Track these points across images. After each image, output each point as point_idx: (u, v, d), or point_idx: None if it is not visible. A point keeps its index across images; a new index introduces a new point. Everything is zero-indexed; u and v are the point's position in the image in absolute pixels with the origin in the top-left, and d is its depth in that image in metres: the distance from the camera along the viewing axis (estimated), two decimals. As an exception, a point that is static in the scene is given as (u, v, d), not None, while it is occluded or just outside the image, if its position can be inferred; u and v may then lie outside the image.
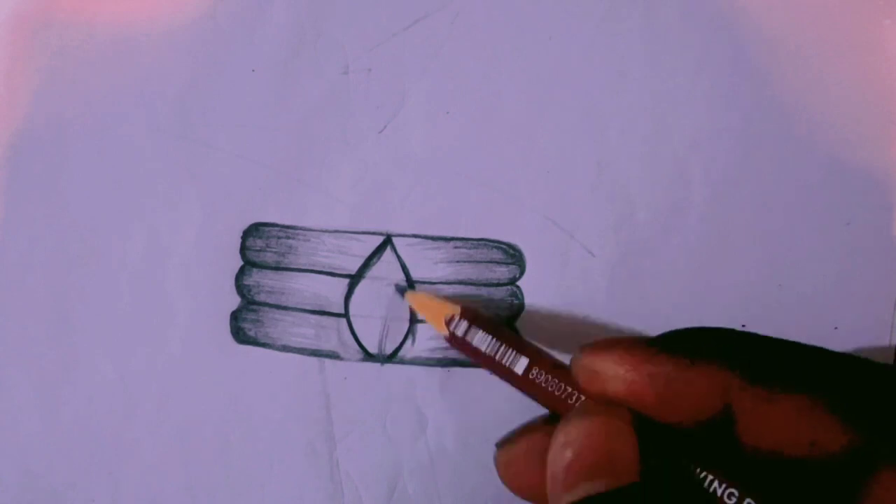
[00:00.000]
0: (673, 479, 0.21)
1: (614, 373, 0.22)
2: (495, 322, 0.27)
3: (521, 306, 0.28)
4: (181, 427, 0.29)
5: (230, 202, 0.29)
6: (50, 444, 0.30)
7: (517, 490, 0.24)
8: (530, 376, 0.25)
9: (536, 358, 0.25)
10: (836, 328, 0.27)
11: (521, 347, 0.25)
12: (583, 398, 0.24)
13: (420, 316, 0.28)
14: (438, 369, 0.29)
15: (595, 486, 0.20)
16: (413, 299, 0.28)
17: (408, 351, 0.29)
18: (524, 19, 0.28)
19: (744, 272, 0.28)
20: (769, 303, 0.28)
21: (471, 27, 0.28)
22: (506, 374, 0.25)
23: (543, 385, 0.25)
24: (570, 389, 0.24)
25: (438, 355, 0.29)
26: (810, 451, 0.20)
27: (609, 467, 0.21)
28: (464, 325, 0.26)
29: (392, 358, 0.29)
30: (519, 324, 0.28)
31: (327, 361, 0.29)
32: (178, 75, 0.29)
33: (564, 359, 0.25)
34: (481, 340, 0.26)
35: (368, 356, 0.29)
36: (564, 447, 0.21)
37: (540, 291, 0.28)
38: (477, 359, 0.26)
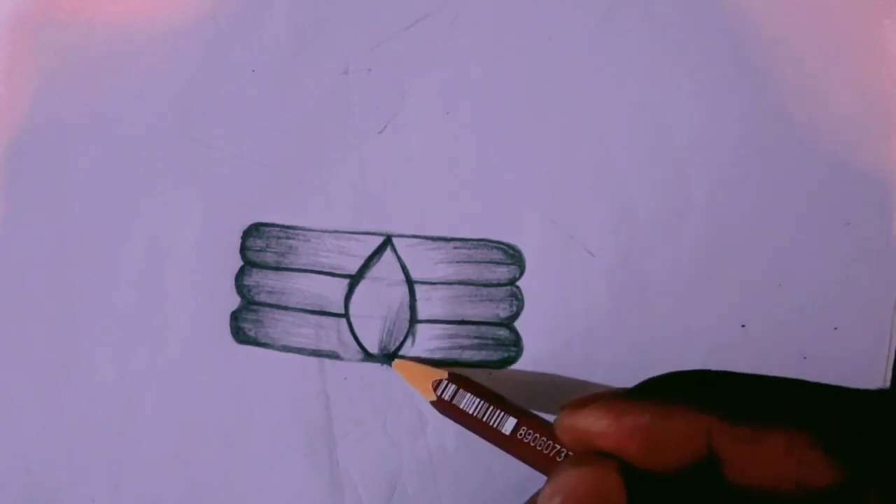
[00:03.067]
0: None
1: (596, 428, 0.22)
2: (482, 386, 0.27)
3: (521, 306, 0.28)
4: (181, 427, 0.29)
5: (230, 202, 0.29)
6: (50, 444, 0.30)
7: None
8: (518, 436, 0.25)
9: (524, 418, 0.26)
10: (835, 328, 0.27)
11: (509, 409, 0.26)
12: (570, 455, 0.24)
13: (403, 381, 0.28)
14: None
15: None
16: (400, 368, 0.28)
17: (408, 351, 0.29)
18: (524, 19, 0.28)
19: (744, 272, 0.28)
20: (769, 303, 0.28)
21: (471, 27, 0.28)
22: (494, 435, 0.26)
23: (532, 444, 0.25)
24: (558, 448, 0.25)
25: (438, 355, 0.29)
26: (798, 489, 0.20)
27: None
28: (451, 389, 0.27)
29: (392, 358, 0.29)
30: (519, 324, 0.28)
31: (327, 361, 0.29)
32: (178, 75, 0.29)
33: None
34: (469, 403, 0.26)
35: (368, 356, 0.29)
36: (553, 497, 0.21)
37: (540, 291, 0.28)
38: (465, 422, 0.26)
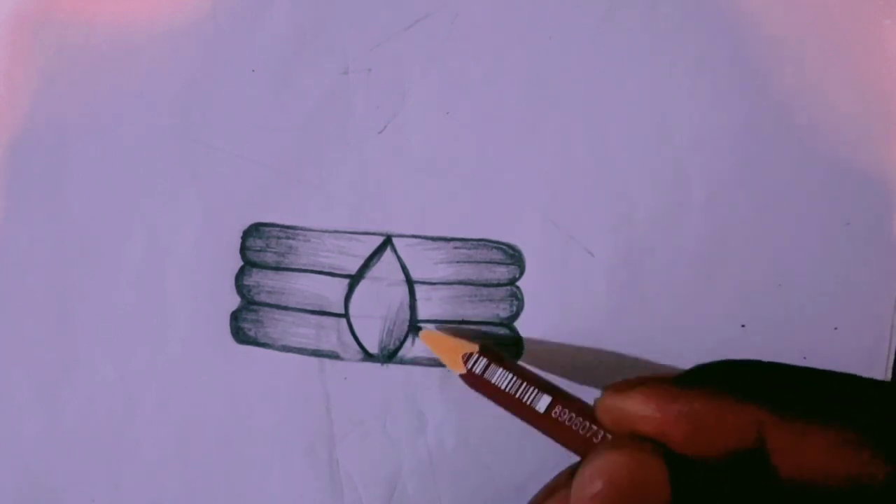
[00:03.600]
0: None
1: (642, 412, 0.22)
2: (514, 361, 0.26)
3: (521, 306, 0.28)
4: (181, 427, 0.29)
5: (230, 202, 0.29)
6: (50, 444, 0.30)
7: None
8: (553, 415, 0.24)
9: (559, 396, 0.25)
10: (836, 328, 0.27)
11: (543, 386, 0.25)
12: (608, 437, 0.23)
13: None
14: (438, 369, 0.29)
15: None
16: (428, 338, 0.28)
17: (408, 351, 0.29)
18: (524, 19, 0.28)
19: (744, 272, 0.28)
20: (769, 303, 0.28)
21: (471, 27, 0.28)
22: (527, 413, 0.25)
23: (567, 424, 0.24)
24: (594, 428, 0.24)
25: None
26: (848, 485, 0.20)
27: (641, 499, 0.20)
28: (483, 362, 0.26)
29: (392, 358, 0.29)
30: (519, 324, 0.28)
31: (327, 361, 0.29)
32: (178, 75, 0.29)
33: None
34: (501, 378, 0.25)
35: (368, 356, 0.29)
36: (594, 479, 0.21)
37: (540, 291, 0.28)
38: (496, 398, 0.25)
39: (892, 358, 0.27)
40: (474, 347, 0.26)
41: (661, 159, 0.28)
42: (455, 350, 0.26)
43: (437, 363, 0.29)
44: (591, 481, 0.21)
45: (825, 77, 0.27)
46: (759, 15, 0.27)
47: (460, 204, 0.28)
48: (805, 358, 0.27)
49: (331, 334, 0.29)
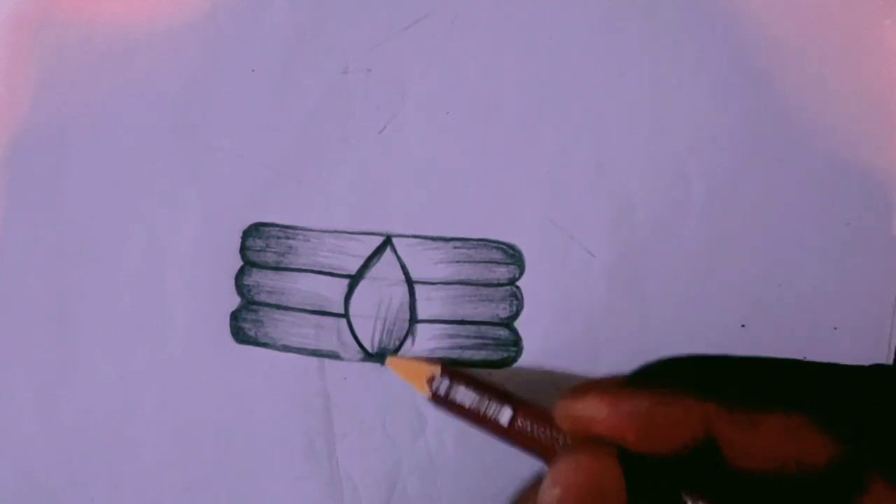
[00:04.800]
0: None
1: (594, 414, 0.22)
2: (476, 378, 0.27)
3: (521, 306, 0.28)
4: (181, 427, 0.29)
5: (230, 202, 0.29)
6: (50, 444, 0.30)
7: None
8: (516, 426, 0.25)
9: (520, 407, 0.25)
10: (835, 328, 0.27)
11: (505, 398, 0.26)
12: (569, 442, 0.24)
13: (402, 380, 0.28)
14: (438, 369, 0.29)
15: None
16: (393, 365, 0.28)
17: (408, 351, 0.29)
18: (524, 19, 0.28)
19: (744, 272, 0.28)
20: (769, 303, 0.28)
21: (471, 27, 0.28)
22: (491, 426, 0.26)
23: (530, 433, 0.25)
24: (555, 435, 0.24)
25: (438, 355, 0.29)
26: (798, 469, 0.20)
27: (598, 501, 0.21)
28: (445, 383, 0.27)
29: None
30: (518, 324, 0.28)
31: (327, 361, 0.29)
32: (178, 75, 0.29)
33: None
34: (464, 396, 0.26)
35: (368, 356, 0.29)
36: (553, 486, 0.22)
37: (540, 291, 0.28)
38: (461, 415, 0.26)
39: (892, 358, 0.27)
40: (436, 369, 0.27)
41: (661, 159, 0.28)
42: (420, 373, 0.27)
43: (433, 359, 0.29)
44: (551, 488, 0.22)
45: (825, 77, 0.27)
46: (759, 15, 0.27)
47: (460, 204, 0.28)
48: (805, 358, 0.27)
49: (331, 334, 0.29)
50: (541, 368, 0.28)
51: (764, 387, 0.22)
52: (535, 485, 0.24)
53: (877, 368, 0.22)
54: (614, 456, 0.22)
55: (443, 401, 0.27)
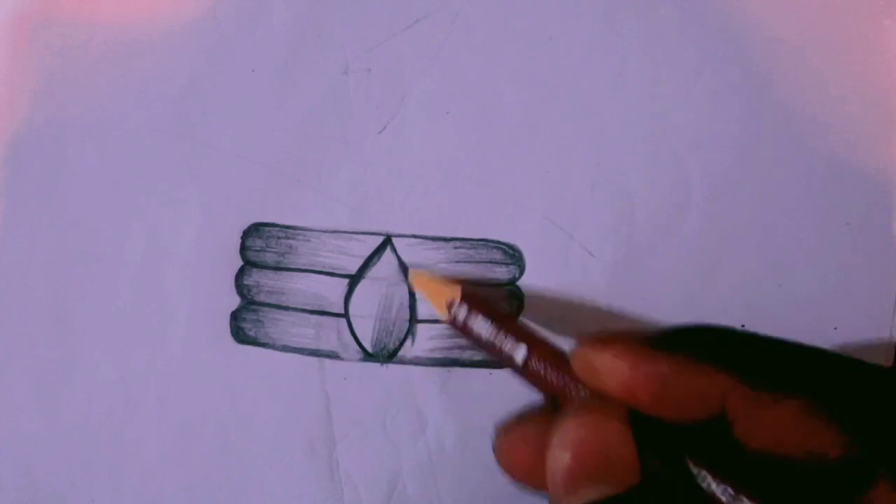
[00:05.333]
0: (672, 478, 0.21)
1: (611, 369, 0.22)
2: (496, 308, 0.26)
3: (521, 306, 0.28)
4: (181, 427, 0.29)
5: (230, 202, 0.29)
6: (50, 444, 0.30)
7: (515, 475, 0.24)
8: (530, 365, 0.25)
9: (535, 346, 0.25)
10: (835, 328, 0.27)
11: (521, 335, 0.25)
12: (582, 390, 0.23)
13: (420, 295, 0.28)
14: (438, 369, 0.29)
15: (596, 490, 0.20)
16: (416, 279, 0.28)
17: (408, 351, 0.29)
18: (524, 19, 0.28)
19: (744, 272, 0.28)
20: (769, 303, 0.28)
21: (471, 27, 0.28)
22: (505, 360, 0.25)
23: (542, 374, 0.24)
24: (569, 379, 0.24)
25: (438, 355, 0.29)
26: (808, 457, 0.20)
27: (608, 470, 0.21)
28: (464, 309, 0.26)
29: (392, 358, 0.29)
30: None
31: (327, 361, 0.29)
32: (178, 75, 0.29)
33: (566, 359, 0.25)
34: (482, 326, 0.25)
35: (368, 356, 0.29)
36: (562, 449, 0.21)
37: (540, 291, 0.28)
38: (477, 343, 0.26)
39: (892, 358, 0.27)
40: (456, 292, 0.26)
41: (661, 159, 0.28)
42: (441, 295, 0.26)
43: (437, 363, 0.29)
44: (561, 452, 0.21)
45: (825, 77, 0.27)
46: (759, 15, 0.27)
47: (460, 204, 0.28)
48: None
49: (331, 334, 0.29)
50: (545, 316, 0.28)
51: (785, 370, 0.21)
52: (534, 413, 0.24)
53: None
54: (625, 420, 0.21)
55: (460, 326, 0.26)
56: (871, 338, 0.27)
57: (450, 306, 0.26)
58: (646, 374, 0.21)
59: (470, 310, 0.26)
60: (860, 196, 0.27)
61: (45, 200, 0.29)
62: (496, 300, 0.27)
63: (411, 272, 0.28)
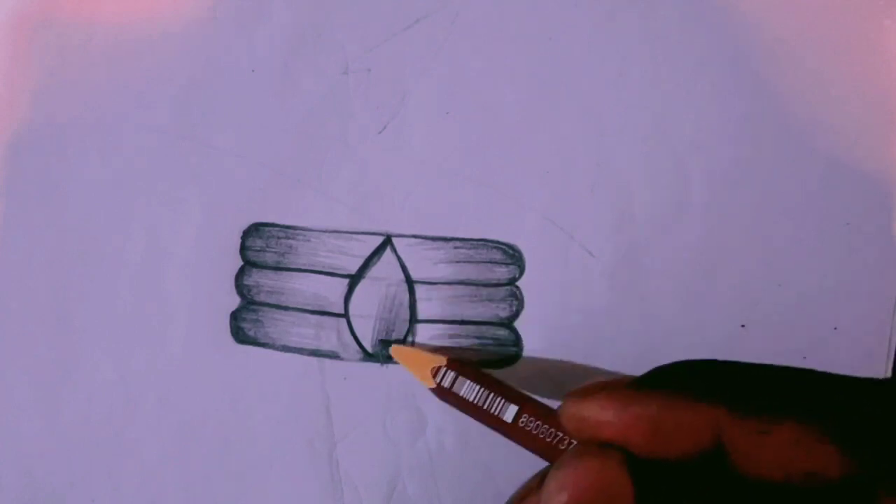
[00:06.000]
0: None
1: (601, 417, 0.22)
2: (482, 372, 0.27)
3: (521, 306, 0.28)
4: (181, 427, 0.29)
5: (230, 202, 0.29)
6: (50, 444, 0.30)
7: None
8: (520, 424, 0.25)
9: (526, 405, 0.25)
10: (835, 328, 0.27)
11: (510, 395, 0.26)
12: (573, 444, 0.24)
13: (404, 372, 0.28)
14: (438, 369, 0.29)
15: None
16: (398, 354, 0.28)
17: (408, 351, 0.29)
18: (524, 19, 0.28)
19: (744, 272, 0.28)
20: (769, 303, 0.28)
21: (471, 27, 0.28)
22: (495, 422, 0.26)
23: (534, 432, 0.25)
24: (560, 435, 0.24)
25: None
26: (808, 480, 0.20)
27: None
28: (451, 376, 0.26)
29: (392, 358, 0.29)
30: (518, 324, 0.28)
31: (327, 361, 0.29)
32: (178, 75, 0.29)
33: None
34: (469, 390, 0.26)
35: (368, 356, 0.29)
36: (559, 490, 0.21)
37: (540, 291, 0.28)
38: (465, 409, 0.26)
39: (892, 358, 0.27)
40: (442, 361, 0.27)
41: (661, 159, 0.28)
42: (424, 364, 0.27)
43: (436, 350, 0.29)
44: (558, 493, 0.21)
45: (825, 77, 0.27)
46: (759, 15, 0.27)
47: (460, 204, 0.28)
48: (805, 358, 0.27)
49: (331, 334, 0.29)
50: (541, 368, 0.28)
51: (777, 395, 0.21)
52: (533, 485, 0.24)
53: (890, 383, 0.22)
54: (622, 461, 0.21)
55: (447, 393, 0.26)
56: (870, 338, 0.27)
57: (435, 374, 0.26)
58: (635, 416, 0.21)
59: (457, 376, 0.26)
60: (860, 196, 0.27)
61: (45, 200, 0.29)
62: (481, 369, 0.27)
63: (393, 347, 0.28)
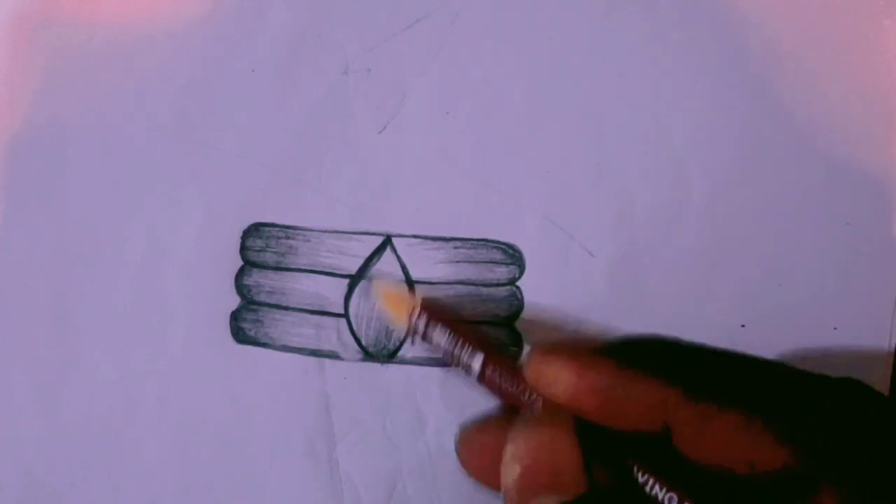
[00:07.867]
0: (619, 486, 0.22)
1: (559, 378, 0.22)
2: (455, 318, 0.26)
3: (521, 306, 0.28)
4: (181, 427, 0.29)
5: (230, 202, 0.29)
6: (50, 445, 0.30)
7: (474, 475, 0.25)
8: (486, 374, 0.25)
9: (492, 355, 0.25)
10: (835, 328, 0.27)
11: (479, 344, 0.25)
12: (534, 396, 0.24)
13: (384, 307, 0.28)
14: (438, 369, 0.29)
15: (545, 501, 0.21)
16: (378, 288, 0.28)
17: (408, 351, 0.29)
18: (524, 19, 0.28)
19: (744, 272, 0.28)
20: (769, 303, 0.28)
21: (471, 27, 0.28)
22: (464, 370, 0.25)
23: (497, 382, 0.25)
24: (523, 387, 0.24)
25: (438, 355, 0.29)
26: (750, 470, 0.20)
27: (556, 481, 0.21)
28: (424, 318, 0.26)
29: (392, 358, 0.29)
30: (519, 324, 0.28)
31: (327, 361, 0.29)
32: (178, 75, 0.29)
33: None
34: (440, 335, 0.26)
35: (368, 356, 0.29)
36: (513, 461, 0.22)
37: (540, 291, 0.28)
38: (436, 353, 0.26)
39: (892, 358, 0.27)
40: (415, 301, 0.26)
41: (661, 159, 0.28)
42: (400, 302, 0.27)
43: (437, 363, 0.29)
44: (511, 465, 0.22)
45: (825, 77, 0.27)
46: (758, 15, 0.27)
47: (460, 204, 0.28)
48: (805, 358, 0.27)
49: (331, 334, 0.29)
50: None
51: (728, 384, 0.21)
52: (494, 420, 0.24)
53: (845, 382, 0.22)
54: (572, 430, 0.22)
55: (420, 335, 0.26)
56: (870, 338, 0.27)
57: (410, 316, 0.26)
58: (591, 384, 0.22)
59: (430, 319, 0.26)
60: (860, 196, 0.27)
61: (45, 200, 0.29)
62: (455, 315, 0.27)
63: (375, 282, 0.28)
